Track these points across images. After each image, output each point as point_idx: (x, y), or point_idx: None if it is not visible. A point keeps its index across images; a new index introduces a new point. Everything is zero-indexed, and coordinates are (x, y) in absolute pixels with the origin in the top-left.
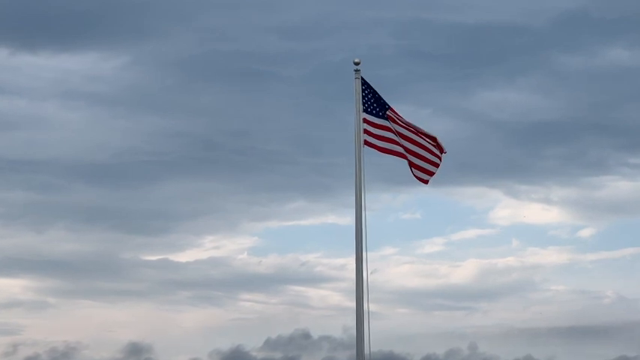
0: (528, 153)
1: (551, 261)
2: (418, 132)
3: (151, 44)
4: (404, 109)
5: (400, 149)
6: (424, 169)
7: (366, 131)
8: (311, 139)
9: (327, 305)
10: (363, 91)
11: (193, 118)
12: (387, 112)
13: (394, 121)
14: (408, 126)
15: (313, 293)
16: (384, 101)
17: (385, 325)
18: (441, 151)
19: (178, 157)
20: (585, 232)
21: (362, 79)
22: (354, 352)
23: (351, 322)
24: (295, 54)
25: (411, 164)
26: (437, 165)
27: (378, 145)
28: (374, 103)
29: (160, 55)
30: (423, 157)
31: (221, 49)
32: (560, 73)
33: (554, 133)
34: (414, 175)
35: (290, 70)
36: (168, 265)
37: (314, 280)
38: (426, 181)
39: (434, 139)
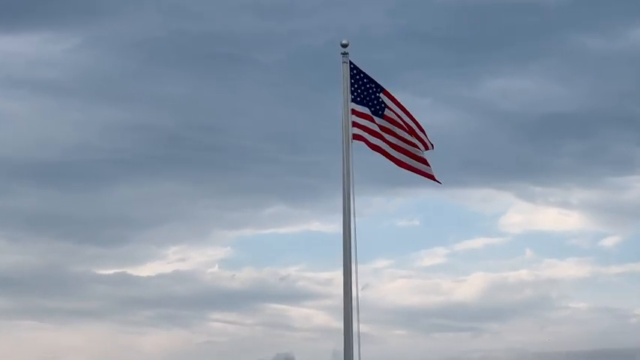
0: (542, 150)
1: (571, 274)
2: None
3: (107, 24)
4: (399, 98)
5: (399, 156)
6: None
7: (355, 124)
8: (292, 133)
9: (312, 326)
10: (351, 77)
11: (156, 109)
12: (382, 95)
13: (391, 120)
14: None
15: (295, 312)
16: (378, 84)
17: (379, 349)
18: (426, 147)
19: (138, 154)
20: (609, 241)
21: (350, 63)
22: None
23: (340, 345)
24: (274, 35)
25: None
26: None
27: (370, 141)
28: (365, 92)
29: (116, 36)
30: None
31: (188, 29)
32: (578, 57)
33: (572, 126)
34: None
35: (268, 54)
36: (127, 280)
37: (296, 297)
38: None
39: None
